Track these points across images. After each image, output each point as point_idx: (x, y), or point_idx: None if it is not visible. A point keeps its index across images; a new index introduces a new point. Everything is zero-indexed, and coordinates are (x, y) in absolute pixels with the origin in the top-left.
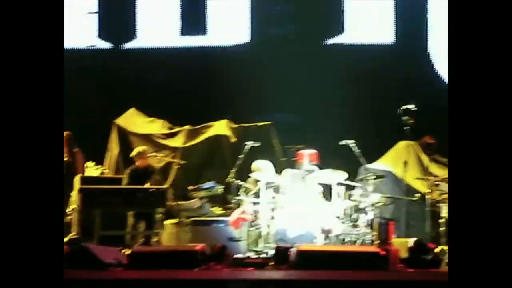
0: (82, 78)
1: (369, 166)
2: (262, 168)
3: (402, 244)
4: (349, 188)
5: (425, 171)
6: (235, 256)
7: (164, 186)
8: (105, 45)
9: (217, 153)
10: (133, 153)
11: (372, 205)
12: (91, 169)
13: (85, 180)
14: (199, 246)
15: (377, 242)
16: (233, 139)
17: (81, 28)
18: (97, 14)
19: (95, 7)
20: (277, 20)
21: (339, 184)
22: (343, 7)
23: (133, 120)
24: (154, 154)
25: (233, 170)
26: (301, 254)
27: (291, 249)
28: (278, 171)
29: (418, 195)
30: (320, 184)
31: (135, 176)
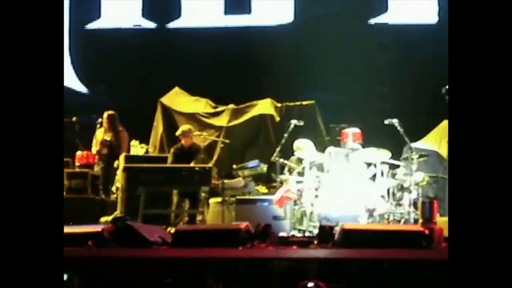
0: (127, 58)
1: (413, 145)
2: (304, 147)
3: (446, 223)
4: (393, 167)
5: None
6: (280, 234)
7: (209, 165)
8: (150, 24)
9: (261, 132)
10: (178, 132)
11: (416, 184)
12: (136, 148)
13: (130, 158)
14: (243, 225)
15: (421, 221)
16: (277, 118)
17: (125, 8)
18: None
19: None
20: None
21: (383, 163)
22: None
23: (178, 99)
24: (199, 133)
25: (277, 149)
26: (345, 232)
27: (335, 228)
28: (322, 150)
29: None
30: (364, 163)
31: (179, 155)
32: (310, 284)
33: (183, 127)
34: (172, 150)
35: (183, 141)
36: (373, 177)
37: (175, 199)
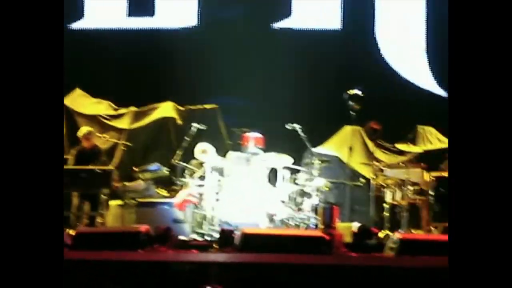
0: None
1: (314, 150)
2: (206, 151)
3: (346, 228)
4: (294, 172)
5: (370, 156)
6: (180, 238)
7: (110, 167)
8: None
9: (163, 135)
10: (79, 134)
11: (317, 189)
12: None
13: None
14: (143, 228)
15: (321, 226)
16: (179, 122)
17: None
18: None
19: None
20: (225, 3)
21: (284, 168)
22: None
23: (79, 101)
24: (100, 135)
25: (179, 152)
26: (245, 237)
27: (235, 232)
28: (223, 154)
29: (362, 180)
30: (265, 167)
31: (80, 157)
32: None
33: (84, 128)
34: (73, 151)
35: (84, 143)
36: (274, 182)
37: (75, 201)
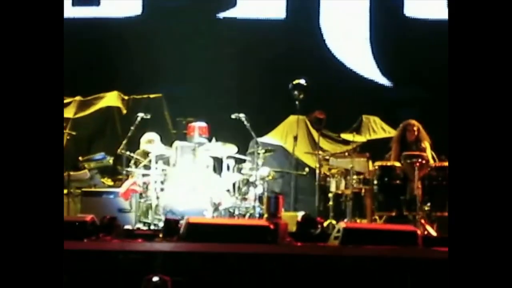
0: None
1: (259, 139)
2: (152, 140)
3: (291, 217)
4: (239, 161)
5: (314, 146)
6: (125, 227)
7: None
8: None
9: (107, 125)
10: None
11: (262, 178)
12: None
13: None
14: (88, 217)
15: (266, 215)
16: (124, 111)
17: None
18: None
19: None
20: None
21: (229, 157)
22: None
23: None
24: None
25: (124, 142)
26: (190, 226)
27: (181, 221)
28: (168, 143)
29: (307, 169)
30: (210, 157)
31: None
32: (155, 278)
33: None
34: None
35: None
36: (219, 171)
37: None
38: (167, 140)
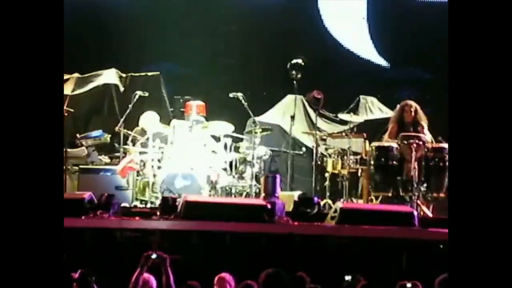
0: None
1: (256, 119)
2: (150, 119)
3: (288, 197)
4: (237, 140)
5: (312, 125)
6: (122, 205)
7: None
8: None
9: (105, 102)
10: None
11: (259, 157)
12: None
13: None
14: (86, 194)
15: (263, 194)
16: (121, 89)
17: None
18: None
19: None
20: None
21: (227, 136)
22: None
23: None
24: None
25: (121, 119)
26: (188, 204)
27: (178, 200)
28: (166, 121)
29: (304, 149)
30: (208, 135)
31: None
32: (154, 255)
33: None
34: None
35: None
36: (217, 150)
37: None
38: (165, 119)
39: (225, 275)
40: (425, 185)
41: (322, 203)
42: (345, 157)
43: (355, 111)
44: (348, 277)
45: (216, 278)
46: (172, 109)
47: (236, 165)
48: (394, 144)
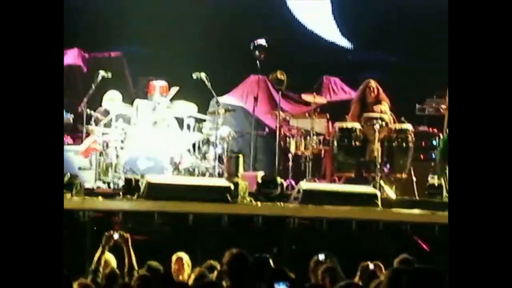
0: None
1: (220, 99)
2: (113, 99)
3: (251, 177)
4: (199, 121)
5: (275, 106)
6: (85, 185)
7: None
8: None
9: (68, 82)
10: None
11: (222, 138)
12: None
13: None
14: None
15: (226, 175)
16: (84, 69)
17: None
18: None
19: None
20: None
21: (189, 116)
22: None
23: None
24: None
25: (84, 100)
26: (150, 185)
27: (141, 180)
28: (129, 102)
29: (267, 130)
30: (171, 116)
31: None
32: (116, 235)
33: None
34: None
35: None
36: (180, 130)
37: None
38: (128, 99)
39: (183, 255)
40: (388, 166)
41: (285, 184)
42: (308, 138)
43: (318, 91)
44: (321, 256)
45: (174, 258)
46: (135, 90)
47: (199, 146)
48: (357, 125)
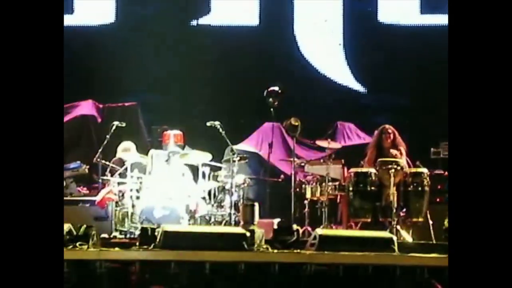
0: None
1: (234, 147)
2: (128, 149)
3: (267, 225)
4: (215, 169)
5: (289, 153)
6: (102, 236)
7: None
8: None
9: (83, 133)
10: None
11: (237, 186)
12: None
13: None
14: (65, 226)
15: (242, 223)
16: (99, 119)
17: None
18: None
19: None
20: (142, 0)
21: (204, 164)
22: None
23: None
24: None
25: (99, 150)
26: (166, 234)
27: (157, 230)
28: (144, 151)
29: (282, 176)
30: (186, 165)
31: None
32: None
33: None
34: None
35: None
36: (195, 179)
37: None
38: (143, 149)
39: None
40: (404, 210)
41: (301, 230)
42: (324, 184)
43: (332, 137)
44: None
45: None
46: (149, 139)
47: (215, 194)
48: (372, 170)
